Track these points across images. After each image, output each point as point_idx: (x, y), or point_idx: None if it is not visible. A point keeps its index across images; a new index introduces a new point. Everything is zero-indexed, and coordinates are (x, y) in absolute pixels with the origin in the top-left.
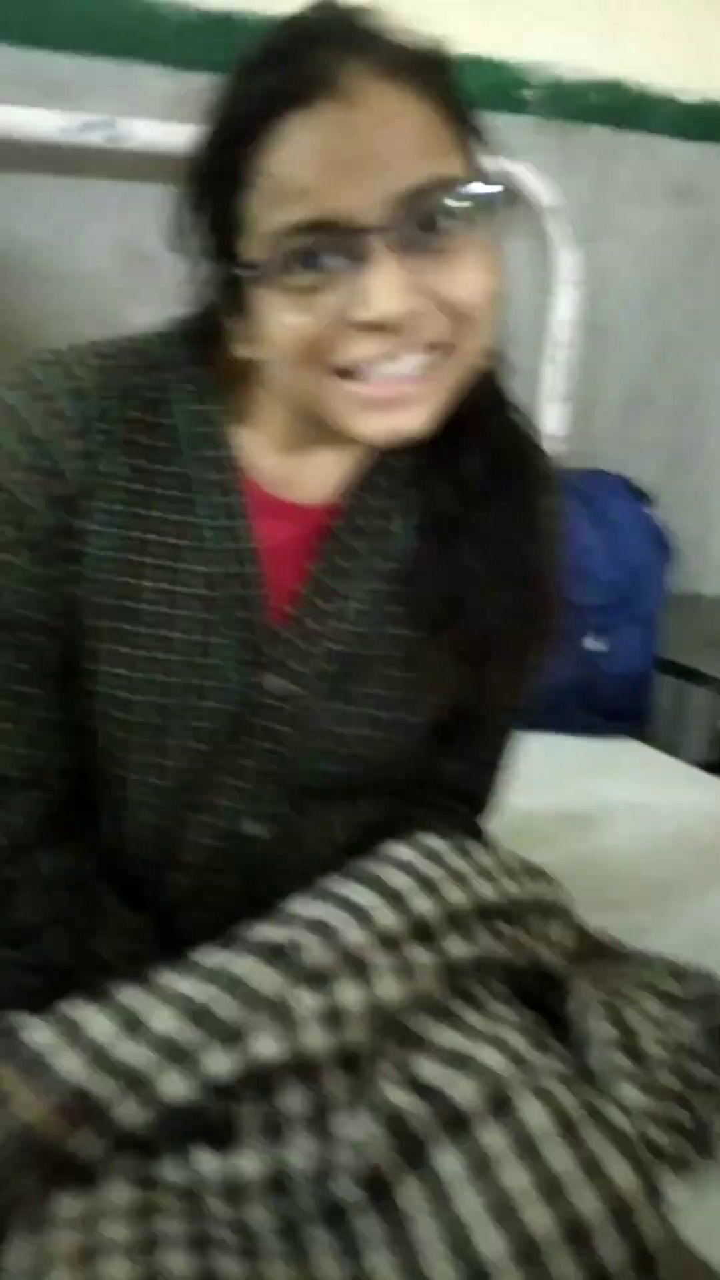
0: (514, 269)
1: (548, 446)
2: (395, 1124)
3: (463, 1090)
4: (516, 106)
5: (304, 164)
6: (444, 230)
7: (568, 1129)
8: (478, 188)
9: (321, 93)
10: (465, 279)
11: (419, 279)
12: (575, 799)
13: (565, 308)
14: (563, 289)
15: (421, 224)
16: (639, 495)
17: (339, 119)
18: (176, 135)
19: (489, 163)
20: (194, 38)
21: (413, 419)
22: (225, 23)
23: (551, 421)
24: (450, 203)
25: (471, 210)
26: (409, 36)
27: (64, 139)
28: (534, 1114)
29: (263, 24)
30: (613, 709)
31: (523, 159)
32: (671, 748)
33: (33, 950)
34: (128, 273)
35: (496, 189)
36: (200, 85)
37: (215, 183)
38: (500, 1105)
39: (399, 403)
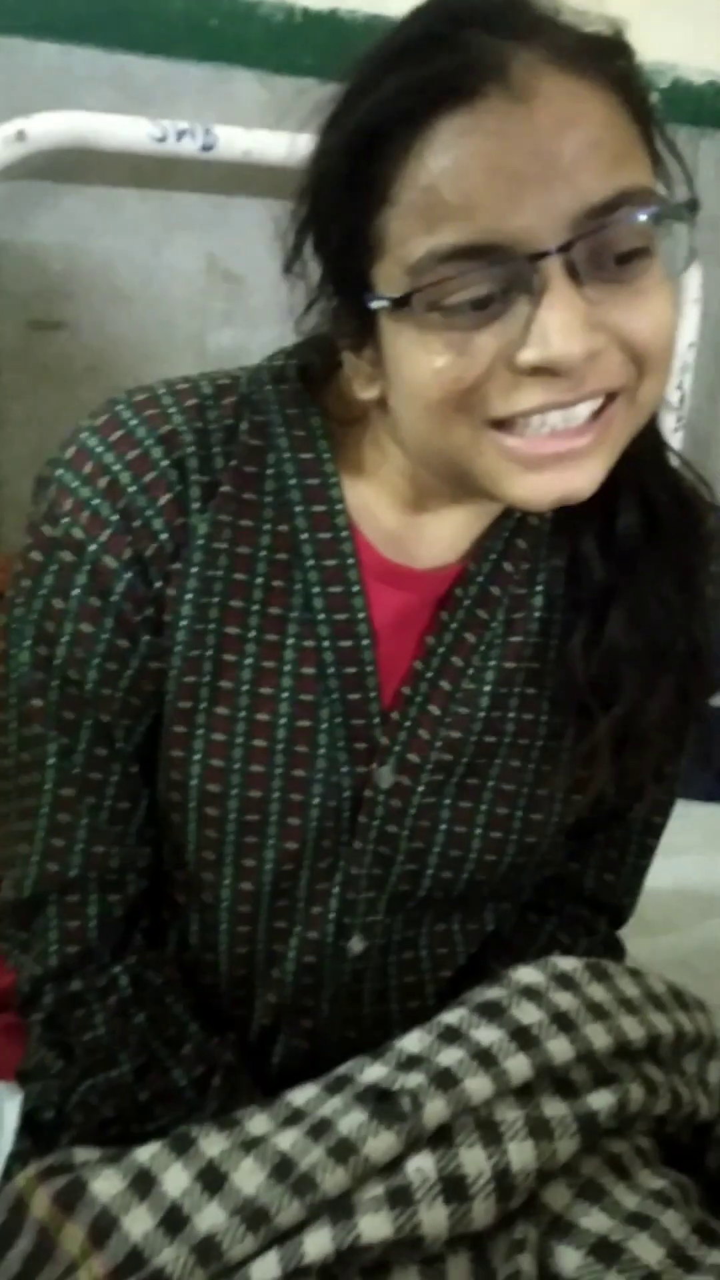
0: None
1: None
2: None
3: None
4: None
5: (466, 175)
6: (629, 254)
7: None
8: (669, 202)
9: (488, 86)
10: (650, 313)
11: (600, 313)
12: (698, 877)
13: (690, 328)
14: (688, 308)
15: (605, 247)
16: None
17: (510, 118)
18: (274, 145)
19: (679, 167)
20: (293, 39)
21: (584, 478)
22: (328, 22)
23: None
24: (641, 220)
25: (658, 230)
26: (585, 19)
27: (153, 148)
28: None
29: (372, 24)
30: None
31: None
32: None
33: (105, 1075)
34: (217, 293)
35: (687, 203)
36: (300, 92)
37: (345, 197)
38: None
39: (568, 460)
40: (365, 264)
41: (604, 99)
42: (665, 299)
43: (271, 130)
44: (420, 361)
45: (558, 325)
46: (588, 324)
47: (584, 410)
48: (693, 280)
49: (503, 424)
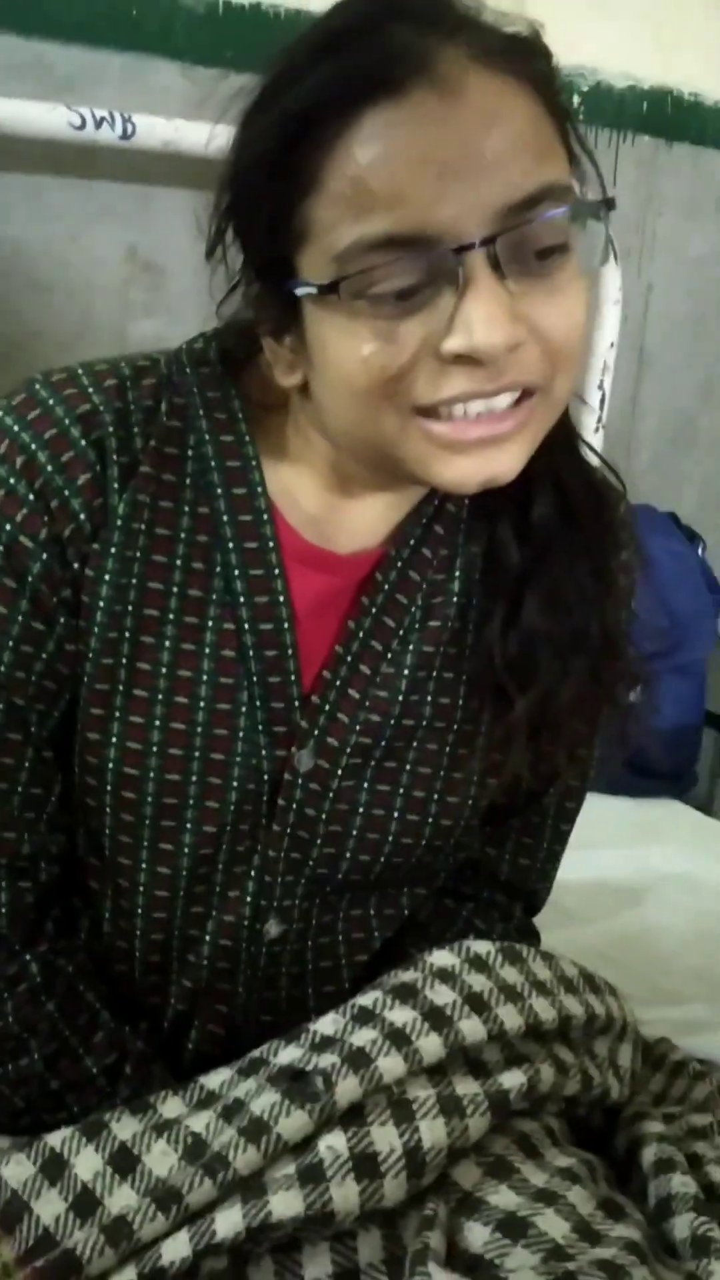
0: None
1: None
2: None
3: (522, 1273)
4: None
5: (393, 166)
6: (548, 249)
7: None
8: (588, 198)
9: (415, 80)
10: (566, 310)
11: (521, 307)
12: (616, 869)
13: (610, 329)
14: (607, 309)
15: (527, 240)
16: (687, 533)
17: (437, 112)
18: (194, 135)
19: (591, 166)
20: (215, 30)
21: (507, 462)
22: (251, 15)
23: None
24: (560, 215)
25: (576, 226)
26: (505, 20)
27: (72, 135)
28: None
29: (294, 18)
30: (655, 767)
31: None
32: (711, 806)
33: (15, 1064)
34: (138, 283)
35: (602, 201)
36: (221, 82)
37: (270, 183)
38: None
39: (492, 444)
40: (290, 251)
41: (526, 97)
42: (579, 296)
43: (192, 120)
44: (347, 349)
45: (481, 316)
46: (510, 315)
47: (504, 400)
48: (612, 281)
49: (428, 411)
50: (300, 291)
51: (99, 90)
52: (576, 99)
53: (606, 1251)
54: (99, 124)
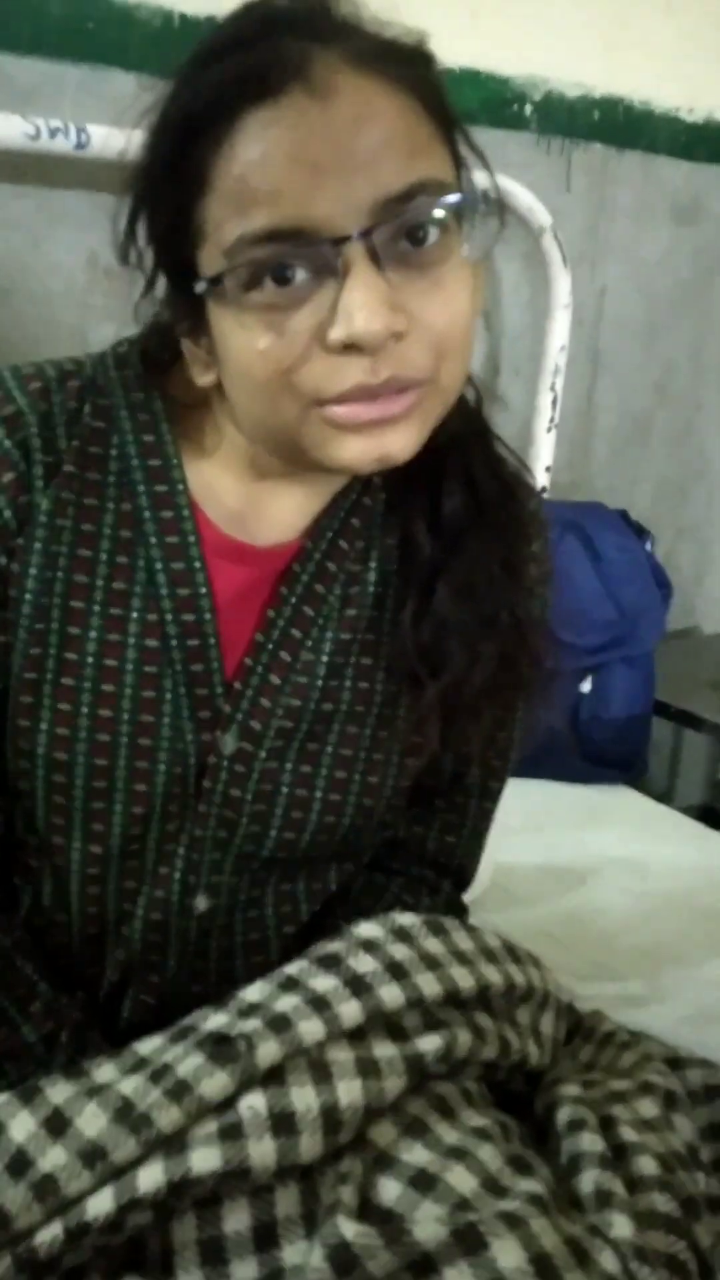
0: (508, 292)
1: (537, 479)
2: (347, 1263)
3: (426, 1224)
4: (514, 122)
5: (271, 164)
6: (428, 242)
7: (548, 1274)
8: (465, 195)
9: (290, 84)
10: (447, 301)
11: (401, 298)
12: (563, 852)
13: (561, 332)
14: (558, 313)
15: (403, 234)
16: (636, 530)
17: (311, 114)
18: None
19: (481, 177)
20: (171, 43)
21: (400, 441)
22: (206, 27)
23: (546, 452)
24: (436, 211)
25: (456, 220)
26: (386, 27)
27: (27, 145)
28: (508, 1254)
29: None
30: (605, 755)
31: (519, 176)
32: (666, 795)
33: None
34: (98, 289)
35: (482, 197)
36: None
37: (169, 186)
38: (470, 1242)
39: (386, 424)
40: (190, 250)
41: (400, 99)
42: (462, 289)
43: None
44: (244, 343)
45: (360, 303)
46: (388, 304)
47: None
48: (562, 286)
49: (324, 402)
50: (199, 288)
51: (58, 101)
52: (529, 108)
53: (510, 1204)
54: (53, 134)
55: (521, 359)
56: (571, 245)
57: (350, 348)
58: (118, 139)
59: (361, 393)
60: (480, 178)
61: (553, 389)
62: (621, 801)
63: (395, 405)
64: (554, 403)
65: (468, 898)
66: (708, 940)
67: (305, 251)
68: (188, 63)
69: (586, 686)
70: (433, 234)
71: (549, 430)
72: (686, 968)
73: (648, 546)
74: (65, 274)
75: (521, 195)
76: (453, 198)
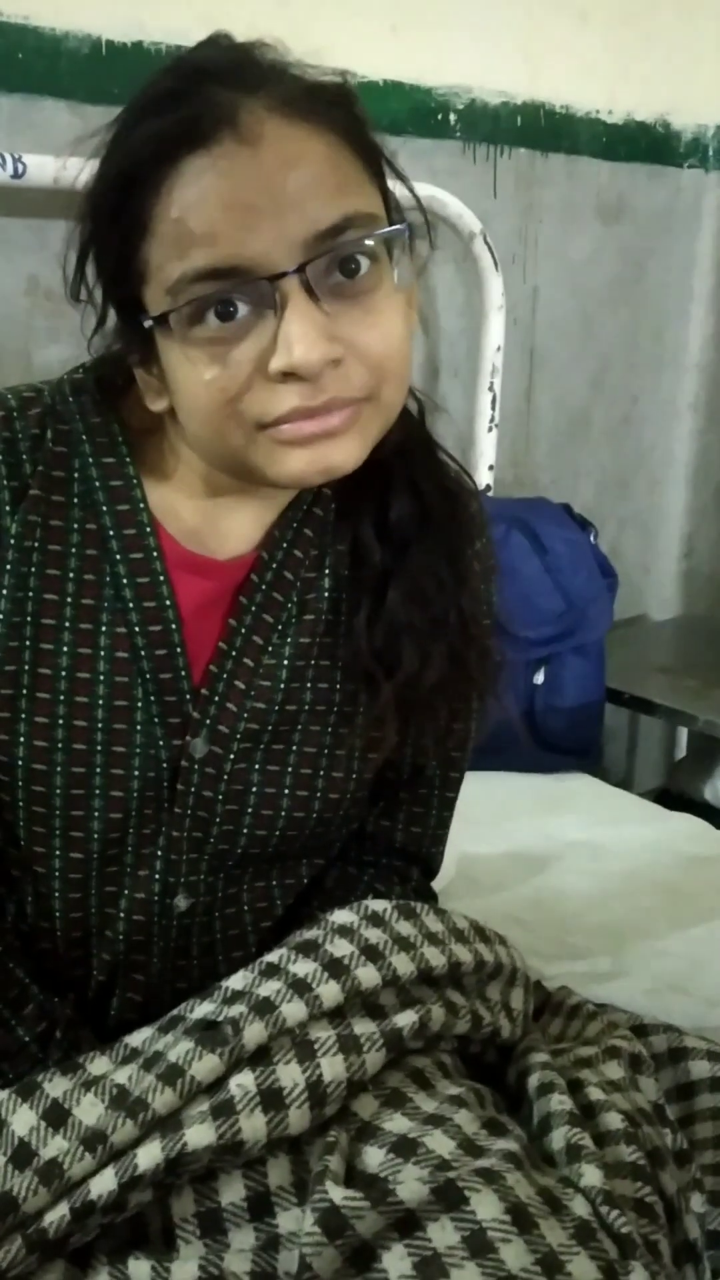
0: (443, 297)
1: (481, 478)
2: (337, 1225)
3: (409, 1184)
4: (439, 131)
5: (207, 208)
6: (360, 273)
7: (523, 1222)
8: (392, 225)
9: (221, 132)
10: (381, 326)
11: (336, 327)
12: (525, 840)
13: (496, 333)
14: (493, 314)
15: (336, 266)
16: (579, 522)
17: (241, 159)
18: (82, 172)
19: (407, 190)
20: (100, 70)
21: (342, 454)
22: (133, 53)
23: (488, 450)
24: (366, 241)
25: (386, 250)
26: (310, 71)
27: None
28: (486, 1206)
29: (172, 54)
30: (561, 743)
31: (447, 184)
32: (625, 779)
33: None
34: (39, 311)
35: (405, 226)
36: (110, 119)
37: (112, 232)
38: (450, 1198)
39: (327, 439)
40: (136, 289)
41: (325, 139)
42: (395, 314)
43: (83, 158)
44: (192, 375)
45: (298, 334)
46: (325, 334)
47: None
48: (495, 289)
49: (267, 426)
50: (146, 324)
51: None
52: (454, 117)
53: (486, 1162)
54: None
55: (460, 361)
56: (502, 248)
57: (290, 376)
58: (53, 167)
59: (301, 412)
60: (408, 194)
61: (491, 389)
62: (580, 788)
63: (334, 419)
64: (494, 402)
65: (435, 887)
66: (666, 915)
67: (244, 288)
68: (125, 113)
69: (539, 678)
70: (364, 265)
71: (490, 429)
72: (648, 939)
73: (592, 538)
74: (7, 299)
75: (451, 203)
76: (381, 230)
